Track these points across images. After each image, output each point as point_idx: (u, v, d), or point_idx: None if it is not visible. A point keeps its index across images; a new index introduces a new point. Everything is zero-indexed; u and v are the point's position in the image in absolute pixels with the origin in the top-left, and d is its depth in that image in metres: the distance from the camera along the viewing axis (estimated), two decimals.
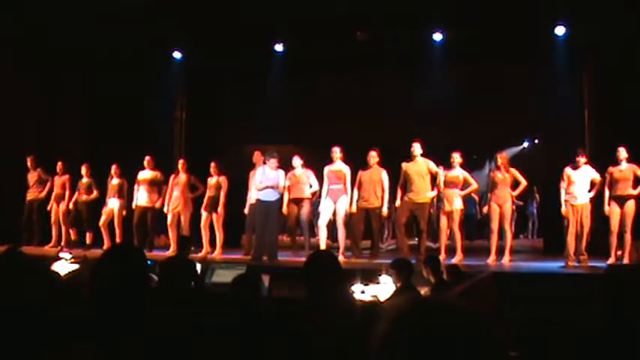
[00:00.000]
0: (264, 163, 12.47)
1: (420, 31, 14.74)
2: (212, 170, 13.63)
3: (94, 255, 11.13)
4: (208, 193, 13.65)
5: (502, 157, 12.35)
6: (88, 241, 14.28)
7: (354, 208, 12.62)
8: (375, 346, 1.55)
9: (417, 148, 12.39)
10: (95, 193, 14.39)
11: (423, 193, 12.30)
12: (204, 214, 13.61)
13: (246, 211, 13.37)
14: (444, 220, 12.46)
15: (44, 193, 14.81)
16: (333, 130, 15.40)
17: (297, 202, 13.13)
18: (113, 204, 14.14)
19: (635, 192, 11.41)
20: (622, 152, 11.47)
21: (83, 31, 14.43)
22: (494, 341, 1.54)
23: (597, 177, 11.66)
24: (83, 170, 14.43)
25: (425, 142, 12.62)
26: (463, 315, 1.55)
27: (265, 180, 12.28)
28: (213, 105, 16.87)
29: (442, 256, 11.34)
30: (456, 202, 12.27)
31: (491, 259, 12.10)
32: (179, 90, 16.94)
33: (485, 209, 12.48)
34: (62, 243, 14.28)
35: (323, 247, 12.24)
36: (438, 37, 14.82)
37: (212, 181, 13.63)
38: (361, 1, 13.91)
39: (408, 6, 13.54)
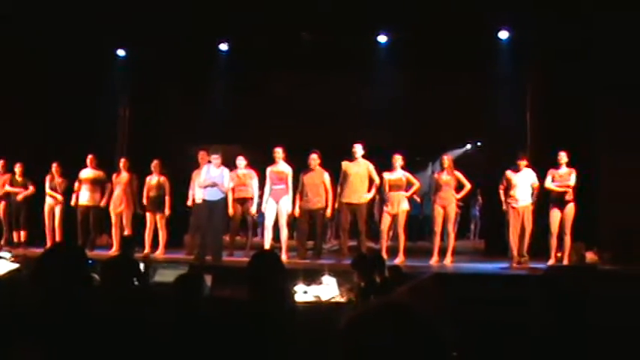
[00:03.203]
0: (210, 162, 12.44)
1: (365, 33, 14.78)
2: (153, 169, 13.56)
3: (35, 254, 11.00)
4: (148, 193, 13.59)
5: (448, 159, 12.46)
6: (22, 238, 14.15)
7: (296, 211, 12.70)
8: (334, 347, 1.55)
9: (358, 150, 12.46)
10: (31, 189, 14.21)
11: (360, 194, 12.40)
12: (148, 214, 13.56)
13: (189, 202, 13.25)
14: (386, 221, 12.51)
15: None
16: (277, 131, 15.44)
17: (242, 202, 13.14)
18: (53, 203, 13.96)
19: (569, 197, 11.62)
20: (563, 156, 11.66)
21: (28, 29, 14.20)
22: (442, 342, 1.55)
23: (536, 182, 11.84)
24: (17, 169, 14.21)
25: (369, 144, 12.69)
26: (413, 317, 1.56)
27: (209, 178, 12.28)
28: (158, 104, 16.71)
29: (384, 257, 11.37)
30: (402, 204, 12.34)
31: (434, 261, 12.22)
32: (123, 88, 16.72)
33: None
34: (1, 242, 14.07)
35: (267, 247, 12.26)
36: (382, 39, 14.89)
37: (153, 180, 13.57)
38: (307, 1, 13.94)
39: (352, 7, 13.57)
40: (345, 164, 12.56)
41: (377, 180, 12.46)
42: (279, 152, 12.85)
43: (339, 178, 12.61)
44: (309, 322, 3.86)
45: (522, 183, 11.84)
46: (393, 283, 7.87)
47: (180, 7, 13.90)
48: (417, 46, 14.24)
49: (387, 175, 12.48)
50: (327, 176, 12.67)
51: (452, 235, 12.41)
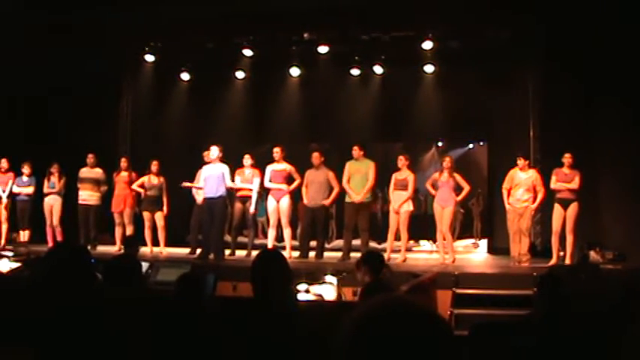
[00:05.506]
0: (220, 160, 12.49)
1: (368, 33, 14.77)
2: (153, 169, 13.58)
3: (37, 253, 11.02)
4: (147, 192, 13.62)
5: (447, 161, 12.44)
6: (26, 238, 14.19)
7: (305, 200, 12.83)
8: (339, 345, 1.54)
9: (357, 151, 12.50)
10: (33, 189, 14.22)
11: (362, 193, 12.38)
12: (145, 213, 13.60)
13: (199, 200, 13.28)
14: (393, 221, 12.48)
15: None
16: (282, 130, 15.58)
17: (243, 200, 13.15)
18: (53, 202, 14.01)
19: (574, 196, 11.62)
20: (568, 158, 11.64)
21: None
22: (452, 341, 1.54)
23: (539, 182, 11.86)
24: (25, 169, 14.20)
25: (370, 144, 12.70)
26: (424, 315, 1.55)
27: (209, 178, 12.41)
28: (161, 104, 16.70)
29: (387, 256, 11.36)
30: (405, 205, 12.29)
31: (437, 260, 12.21)
32: (124, 87, 16.67)
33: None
34: (3, 241, 14.09)
35: (270, 246, 12.26)
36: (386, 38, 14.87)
37: (153, 180, 13.58)
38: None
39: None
40: (348, 164, 12.58)
41: (371, 179, 12.47)
42: (277, 152, 12.93)
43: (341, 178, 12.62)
44: (312, 321, 3.86)
45: (524, 183, 11.86)
46: (388, 282, 7.82)
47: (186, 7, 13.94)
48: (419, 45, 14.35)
49: (394, 175, 12.48)
50: (331, 174, 12.70)
51: (449, 236, 12.35)
